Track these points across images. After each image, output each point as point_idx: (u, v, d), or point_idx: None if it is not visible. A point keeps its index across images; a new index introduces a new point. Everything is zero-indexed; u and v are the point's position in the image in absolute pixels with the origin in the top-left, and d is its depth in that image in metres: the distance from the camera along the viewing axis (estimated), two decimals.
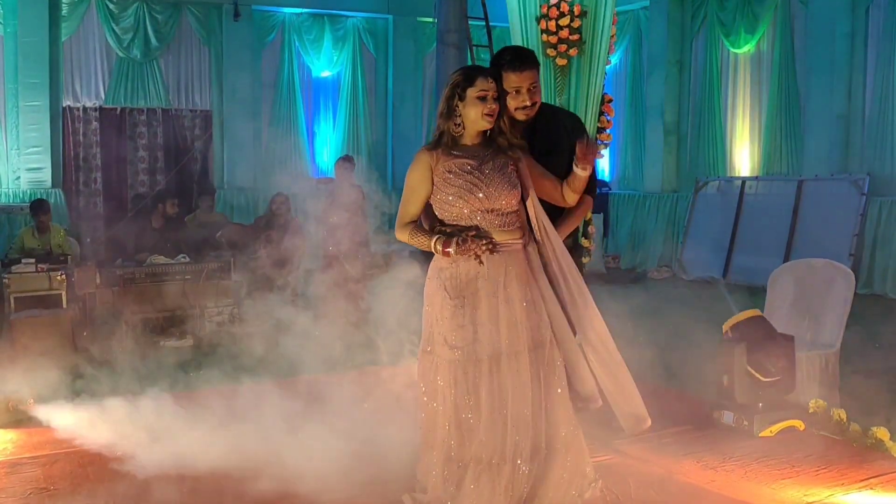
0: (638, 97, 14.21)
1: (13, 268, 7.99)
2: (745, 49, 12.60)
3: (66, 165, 11.99)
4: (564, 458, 3.81)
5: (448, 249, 3.62)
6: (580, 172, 3.81)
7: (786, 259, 9.85)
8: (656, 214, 13.36)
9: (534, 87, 3.98)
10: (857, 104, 11.21)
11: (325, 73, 13.64)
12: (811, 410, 5.24)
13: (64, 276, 7.94)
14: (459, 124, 3.73)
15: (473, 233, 3.65)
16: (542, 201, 3.86)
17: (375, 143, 14.00)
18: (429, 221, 3.83)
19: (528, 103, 3.96)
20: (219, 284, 8.43)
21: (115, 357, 7.13)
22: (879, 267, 10.49)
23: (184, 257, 8.60)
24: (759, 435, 5.04)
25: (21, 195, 11.32)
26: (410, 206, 3.79)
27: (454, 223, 3.72)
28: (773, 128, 12.22)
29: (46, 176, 11.58)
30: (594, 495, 3.98)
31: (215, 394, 5.55)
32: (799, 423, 5.14)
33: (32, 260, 8.09)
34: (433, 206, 3.78)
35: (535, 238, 3.83)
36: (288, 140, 13.12)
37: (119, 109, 12.20)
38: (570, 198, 3.91)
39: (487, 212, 3.70)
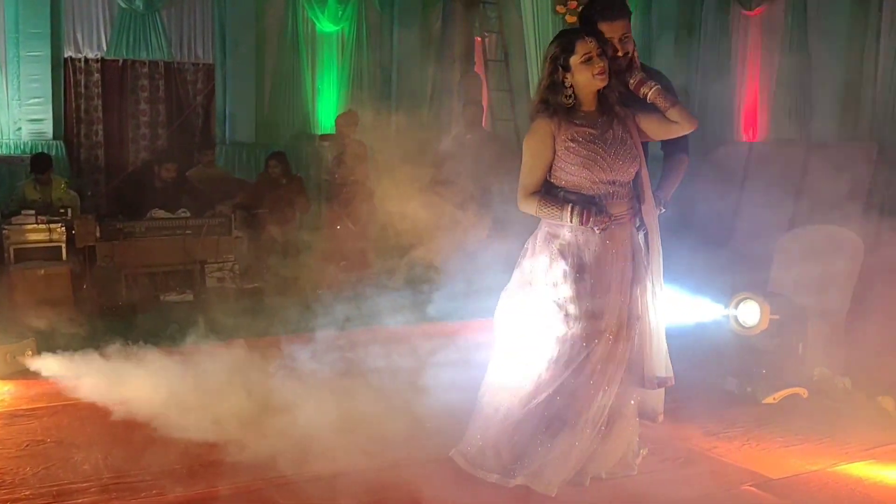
0: (646, 60, 13.95)
1: (13, 219, 7.90)
2: (757, 11, 12.40)
3: (67, 117, 11.85)
4: (625, 425, 3.85)
5: (589, 221, 3.58)
6: (654, 99, 3.77)
7: (792, 225, 9.76)
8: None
9: (625, 38, 3.85)
10: (868, 70, 11.03)
11: (330, 29, 13.44)
12: (815, 378, 5.21)
13: (63, 229, 7.86)
14: (570, 96, 3.67)
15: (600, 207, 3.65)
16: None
17: (379, 100, 13.81)
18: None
19: (619, 54, 3.83)
20: (220, 240, 8.37)
21: (114, 310, 7.13)
22: (887, 234, 10.39)
23: (184, 212, 8.53)
24: (763, 402, 5.01)
25: (22, 146, 11.19)
26: (535, 174, 3.74)
27: (575, 191, 3.68)
28: (782, 93, 12.05)
29: (48, 127, 11.44)
30: (640, 462, 4.01)
31: (214, 349, 5.51)
32: (802, 391, 5.11)
33: (32, 212, 8.00)
34: (551, 173, 3.72)
35: (639, 208, 3.82)
36: (291, 95, 12.93)
37: (121, 61, 12.02)
38: (672, 115, 3.77)
39: (608, 182, 3.69)
